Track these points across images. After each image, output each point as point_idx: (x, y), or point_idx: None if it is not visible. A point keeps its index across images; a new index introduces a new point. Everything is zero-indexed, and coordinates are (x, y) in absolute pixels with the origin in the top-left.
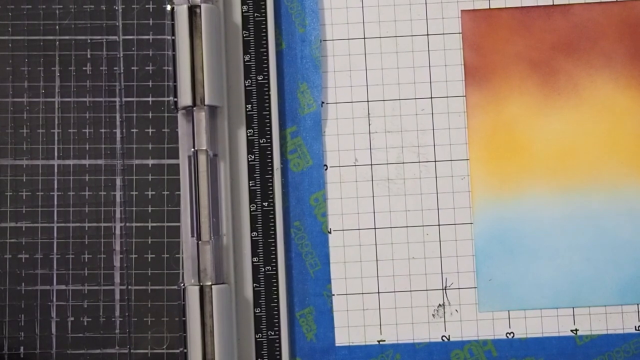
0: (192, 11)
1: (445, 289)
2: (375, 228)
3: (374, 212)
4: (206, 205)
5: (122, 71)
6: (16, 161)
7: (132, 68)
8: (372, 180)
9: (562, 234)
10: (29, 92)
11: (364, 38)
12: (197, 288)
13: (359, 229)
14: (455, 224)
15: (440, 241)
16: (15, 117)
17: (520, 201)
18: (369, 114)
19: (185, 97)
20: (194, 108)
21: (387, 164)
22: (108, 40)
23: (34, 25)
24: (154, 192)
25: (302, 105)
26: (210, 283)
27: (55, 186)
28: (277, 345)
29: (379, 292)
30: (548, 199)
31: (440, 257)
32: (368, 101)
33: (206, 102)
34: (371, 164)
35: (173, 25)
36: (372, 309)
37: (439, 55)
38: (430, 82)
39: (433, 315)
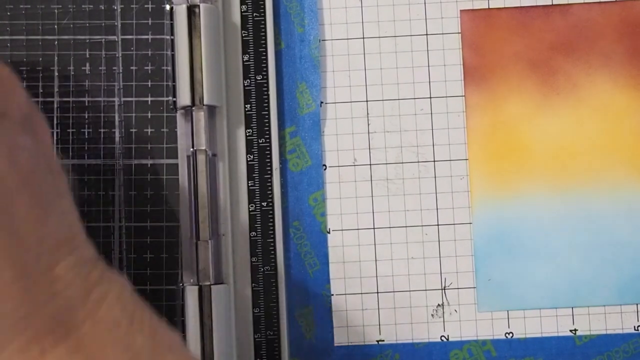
0: (191, 11)
1: (444, 289)
2: (374, 228)
3: (372, 212)
4: (205, 205)
5: (120, 71)
6: None
7: (131, 68)
8: (371, 180)
9: (561, 233)
10: (27, 92)
11: (363, 38)
12: (196, 288)
13: (357, 229)
14: (454, 224)
15: (439, 241)
16: None
17: (519, 201)
18: (367, 113)
19: (184, 97)
20: (193, 108)
21: (386, 163)
22: (107, 40)
23: (33, 24)
24: (152, 192)
25: (301, 105)
26: (209, 283)
27: None
28: (276, 345)
29: (377, 292)
30: (547, 199)
31: (439, 257)
32: (367, 101)
33: (205, 102)
34: (370, 164)
35: (172, 25)
36: (371, 309)
37: (438, 55)
38: (429, 82)
39: (432, 315)
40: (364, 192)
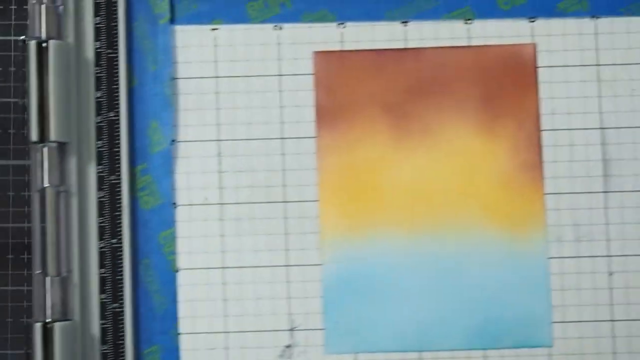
0: (41, 46)
1: (292, 330)
2: (223, 267)
3: (222, 251)
4: (54, 241)
5: None
6: None
7: None
8: (222, 219)
9: (411, 276)
10: None
11: (216, 77)
12: (40, 325)
13: (207, 268)
14: (304, 265)
15: (288, 282)
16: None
17: (371, 243)
18: (219, 153)
19: (33, 133)
20: (43, 144)
21: (237, 203)
22: None
23: None
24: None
25: (153, 142)
26: (54, 320)
27: None
28: None
29: (226, 332)
30: (399, 242)
31: (289, 298)
32: (219, 140)
33: (52, 138)
34: (221, 203)
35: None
36: (219, 349)
37: (290, 96)
38: (282, 122)
39: (280, 356)
40: (214, 231)
